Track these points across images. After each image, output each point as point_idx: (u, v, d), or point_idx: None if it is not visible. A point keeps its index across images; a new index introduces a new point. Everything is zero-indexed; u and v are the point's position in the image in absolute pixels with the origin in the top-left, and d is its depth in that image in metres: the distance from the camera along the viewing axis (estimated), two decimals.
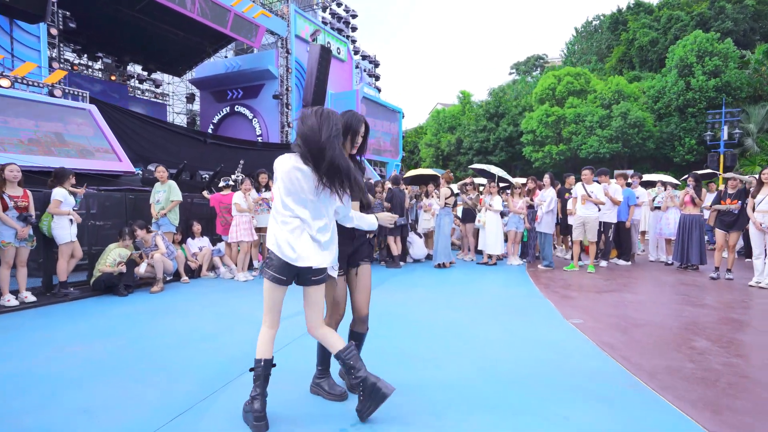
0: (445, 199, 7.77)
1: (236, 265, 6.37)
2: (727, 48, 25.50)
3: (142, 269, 5.42)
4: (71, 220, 5.06)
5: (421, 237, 8.54)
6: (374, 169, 21.48)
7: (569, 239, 8.73)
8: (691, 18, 33.80)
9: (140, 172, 10.73)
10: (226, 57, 21.36)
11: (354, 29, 26.82)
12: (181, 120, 23.51)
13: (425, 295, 5.68)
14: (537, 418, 2.44)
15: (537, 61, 56.61)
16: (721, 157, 21.37)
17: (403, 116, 26.85)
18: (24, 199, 4.55)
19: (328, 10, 24.42)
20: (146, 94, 21.97)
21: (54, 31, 11.46)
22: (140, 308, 4.74)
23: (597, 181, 7.66)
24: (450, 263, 7.74)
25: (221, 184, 6.91)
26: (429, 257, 8.64)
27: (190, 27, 16.28)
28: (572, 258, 7.57)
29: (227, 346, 3.59)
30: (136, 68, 20.91)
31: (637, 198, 8.17)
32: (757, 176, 6.17)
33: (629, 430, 2.31)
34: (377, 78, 28.54)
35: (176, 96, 23.71)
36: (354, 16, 26.76)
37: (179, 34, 17.20)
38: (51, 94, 10.22)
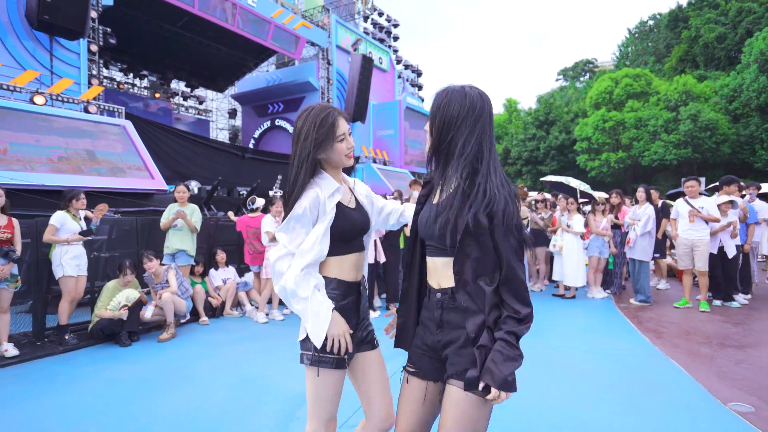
0: (523, 219, 6.50)
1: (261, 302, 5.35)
2: None
3: (148, 313, 4.48)
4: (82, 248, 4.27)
5: None
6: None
7: (662, 265, 7.20)
8: (765, 9, 30.71)
9: (173, 190, 10.15)
10: (267, 71, 21.08)
11: (396, 39, 26.04)
12: (223, 136, 23.44)
13: None
14: None
15: (586, 65, 53.97)
16: None
17: None
18: (6, 230, 3.73)
19: (369, 20, 23.79)
20: (190, 110, 22.03)
21: (94, 48, 11.22)
22: (140, 368, 3.76)
23: (704, 194, 6.16)
24: None
25: (249, 205, 5.89)
26: None
27: (231, 41, 16.02)
28: (684, 292, 6.03)
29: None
30: (180, 85, 20.99)
31: (757, 213, 6.55)
32: None
33: None
34: (420, 87, 27.56)
35: (219, 112, 23.70)
36: (396, 26, 26.01)
37: (221, 48, 17.01)
38: (86, 110, 9.87)
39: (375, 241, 5.57)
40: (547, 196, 7.89)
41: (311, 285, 1.46)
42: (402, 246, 6.24)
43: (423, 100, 26.40)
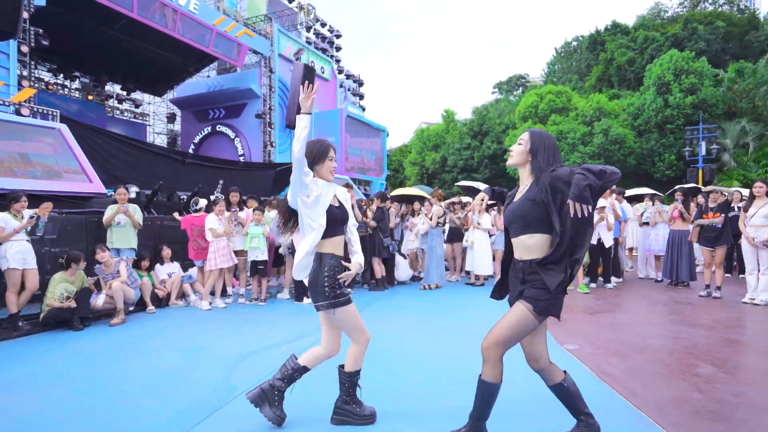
0: (438, 218, 7.51)
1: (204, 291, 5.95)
2: (702, 66, 26.17)
3: (100, 301, 4.95)
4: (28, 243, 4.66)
5: (405, 258, 8.23)
6: (359, 187, 21.22)
7: None
8: (665, 38, 34.81)
9: (113, 194, 10.27)
10: (208, 76, 21.13)
11: (338, 49, 26.89)
12: (161, 140, 23.07)
13: (412, 320, 5.36)
14: None
15: (519, 80, 57.69)
16: (700, 172, 21.67)
17: (388, 135, 26.78)
18: None
19: (312, 30, 24.47)
20: (126, 114, 21.52)
21: (25, 49, 11.10)
22: (97, 345, 4.30)
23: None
24: (436, 286, 7.43)
25: (192, 207, 6.47)
26: (414, 279, 8.33)
27: (172, 46, 16.04)
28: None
29: (191, 388, 3.19)
30: (114, 88, 20.51)
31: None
32: (740, 189, 6.03)
33: None
34: (361, 97, 28.56)
35: (157, 116, 23.29)
36: (338, 36, 26.87)
37: (160, 53, 16.93)
38: (18, 113, 9.80)
39: None
40: (465, 198, 9.02)
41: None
42: None
43: (364, 110, 27.41)
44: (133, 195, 10.71)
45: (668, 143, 26.10)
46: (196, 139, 19.73)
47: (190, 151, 19.14)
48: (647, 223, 8.47)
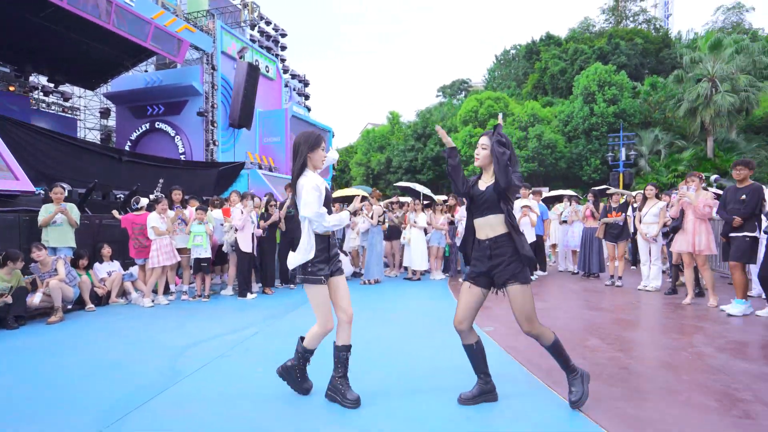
0: (378, 217, 7.96)
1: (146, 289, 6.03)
2: (622, 79, 28.65)
3: (36, 299, 4.93)
4: None
5: (347, 255, 8.62)
6: None
7: None
8: (593, 51, 37.64)
9: (42, 192, 9.84)
10: (146, 71, 20.36)
11: (283, 48, 26.76)
12: (94, 136, 21.88)
13: (354, 312, 5.76)
14: (442, 419, 2.59)
15: (462, 84, 59.82)
16: (621, 175, 23.75)
17: (334, 135, 27.02)
18: None
19: (256, 28, 24.18)
20: (53, 107, 20.25)
21: None
22: (34, 341, 4.33)
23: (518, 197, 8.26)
24: (376, 281, 7.89)
25: (133, 205, 6.50)
26: (355, 275, 8.73)
27: (106, 38, 15.31)
28: None
29: (136, 374, 3.40)
30: (40, 79, 19.24)
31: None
32: (640, 192, 6.98)
33: (525, 422, 2.53)
34: (307, 97, 28.57)
35: (89, 110, 22.07)
36: (283, 35, 26.74)
37: (93, 45, 16.11)
38: None
39: (252, 234, 6.56)
40: (403, 199, 9.57)
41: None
42: (278, 240, 7.32)
43: (310, 110, 27.46)
44: (65, 194, 10.30)
45: (594, 149, 28.36)
46: (133, 136, 18.98)
47: (127, 148, 18.37)
48: (566, 221, 9.42)
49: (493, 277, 2.74)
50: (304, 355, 2.87)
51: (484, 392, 2.84)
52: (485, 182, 2.78)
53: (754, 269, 5.69)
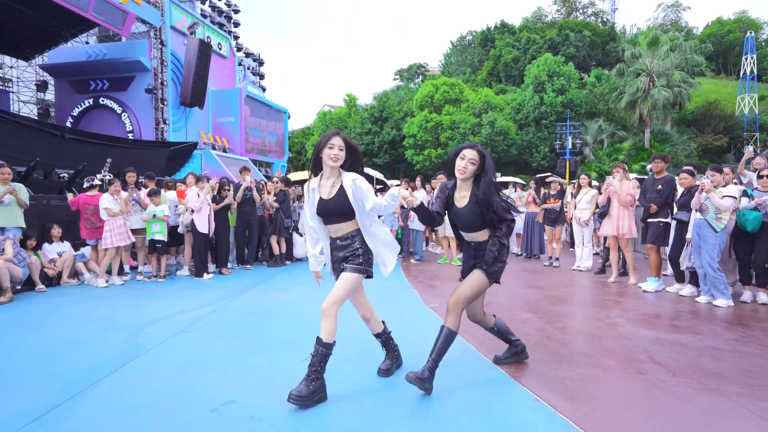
0: None
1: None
2: (570, 71, 29.95)
3: None
4: None
5: (302, 236, 8.82)
6: (259, 169, 21.06)
7: (436, 235, 9.74)
8: (544, 41, 38.95)
9: None
10: (87, 43, 19.20)
11: (237, 25, 25.94)
12: (29, 110, 20.49)
13: (304, 291, 6.00)
14: (387, 384, 2.94)
15: (419, 69, 60.19)
16: (567, 163, 25.07)
17: (290, 117, 26.67)
18: None
19: (207, 3, 23.29)
20: None
21: None
22: None
23: None
24: None
25: (86, 184, 6.38)
26: None
27: (41, 5, 14.32)
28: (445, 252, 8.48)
29: (98, 350, 3.52)
30: None
31: None
32: (581, 178, 7.60)
33: (461, 385, 2.92)
34: (262, 77, 27.95)
35: (22, 82, 20.58)
36: (236, 11, 25.89)
37: (27, 12, 15.02)
38: None
39: (208, 216, 6.62)
40: None
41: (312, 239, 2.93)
42: (232, 223, 7.43)
43: (265, 90, 26.90)
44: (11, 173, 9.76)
45: (543, 137, 29.65)
46: (75, 112, 17.99)
47: (68, 125, 17.42)
48: None
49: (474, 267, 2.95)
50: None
51: (515, 353, 3.24)
52: (462, 197, 2.85)
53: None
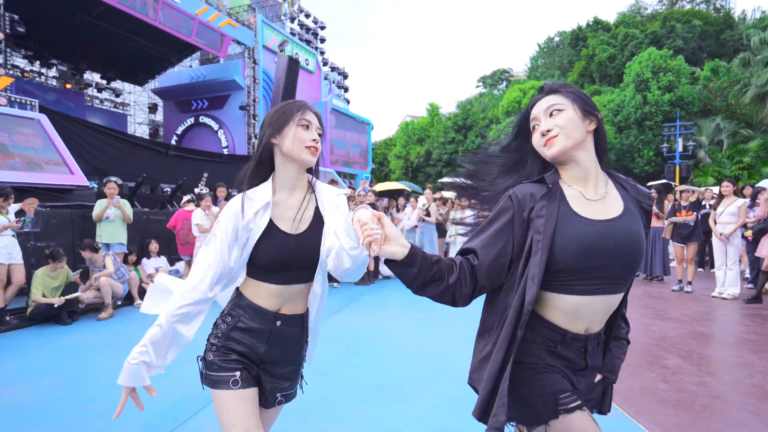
0: (437, 214, 7.77)
1: None
2: (679, 65, 26.81)
3: (86, 295, 4.97)
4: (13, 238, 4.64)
5: None
6: (344, 180, 21.28)
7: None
8: (645, 36, 35.50)
9: (95, 186, 10.16)
10: (190, 66, 20.81)
11: (323, 40, 26.72)
12: (143, 131, 22.69)
13: (397, 316, 5.51)
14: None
15: (502, 74, 58.18)
16: (677, 168, 22.30)
17: (372, 128, 26.83)
18: None
19: (296, 21, 24.24)
20: (105, 103, 21.09)
21: (0, 35, 10.81)
22: (87, 338, 4.35)
23: None
24: None
25: (185, 198, 6.50)
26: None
27: (153, 35, 15.76)
28: None
29: (181, 382, 3.28)
30: (94, 76, 20.05)
31: None
32: (711, 188, 6.33)
33: None
34: (346, 89, 28.48)
35: (138, 106, 22.88)
36: (322, 28, 26.68)
37: (141, 42, 16.63)
38: None
39: None
40: (447, 194, 9.23)
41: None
42: None
43: (349, 102, 27.36)
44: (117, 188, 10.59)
45: (647, 139, 26.75)
46: (179, 130, 19.48)
47: (173, 142, 18.91)
48: None
49: None
50: None
51: None
52: (597, 200, 1.21)
53: None
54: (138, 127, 22.90)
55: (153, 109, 22.31)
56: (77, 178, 9.53)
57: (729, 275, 6.16)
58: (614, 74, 35.56)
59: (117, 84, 20.81)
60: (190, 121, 19.36)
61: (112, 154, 12.58)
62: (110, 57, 18.09)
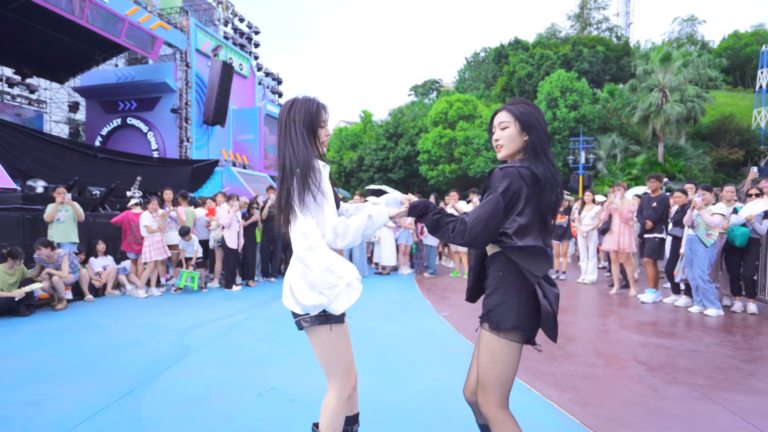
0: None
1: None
2: (582, 86, 30.33)
3: (42, 285, 5.44)
4: None
5: None
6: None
7: (448, 250, 10.18)
8: (558, 57, 39.43)
9: (19, 188, 10.04)
10: (116, 66, 20.30)
11: (257, 45, 26.99)
12: (61, 130, 21.63)
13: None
14: (408, 378, 3.40)
15: (433, 84, 60.99)
16: (581, 178, 25.32)
17: None
18: None
19: (230, 25, 24.37)
20: (17, 99, 19.92)
21: None
22: (53, 325, 4.90)
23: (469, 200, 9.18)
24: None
25: (132, 201, 7.04)
26: None
27: (77, 33, 15.28)
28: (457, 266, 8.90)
29: (152, 349, 4.06)
30: (5, 71, 18.93)
31: None
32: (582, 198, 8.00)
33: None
34: (280, 95, 28.90)
35: (55, 103, 21.77)
36: (257, 33, 26.96)
37: (63, 39, 16.07)
38: None
39: (237, 232, 7.20)
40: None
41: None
42: (258, 239, 7.99)
43: None
44: (40, 190, 10.45)
45: (556, 152, 29.95)
46: (104, 132, 18.98)
47: (97, 143, 18.42)
48: None
49: None
50: None
51: None
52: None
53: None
54: (55, 125, 21.80)
55: (74, 108, 21.39)
56: (3, 180, 9.43)
57: (589, 265, 7.87)
58: (531, 90, 39.03)
59: (33, 80, 19.77)
60: (117, 122, 18.94)
61: (34, 155, 12.17)
62: (26, 52, 17.21)
